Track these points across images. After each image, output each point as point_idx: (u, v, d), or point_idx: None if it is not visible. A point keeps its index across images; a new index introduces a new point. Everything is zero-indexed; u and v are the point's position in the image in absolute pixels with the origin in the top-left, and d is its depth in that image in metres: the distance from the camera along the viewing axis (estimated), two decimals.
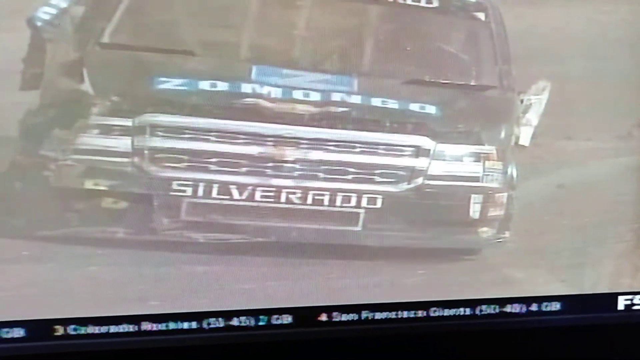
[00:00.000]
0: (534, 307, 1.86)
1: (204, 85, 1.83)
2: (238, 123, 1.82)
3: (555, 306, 1.85)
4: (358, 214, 1.85)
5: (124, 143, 1.79)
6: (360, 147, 1.85)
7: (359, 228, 1.85)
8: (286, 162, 1.82)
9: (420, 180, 1.87)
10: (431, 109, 1.89)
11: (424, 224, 1.88)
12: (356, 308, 1.81)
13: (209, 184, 1.81)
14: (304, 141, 1.83)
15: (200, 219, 1.82)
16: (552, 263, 1.89)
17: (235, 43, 1.87)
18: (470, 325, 1.84)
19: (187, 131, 1.81)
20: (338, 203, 1.84)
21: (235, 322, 1.78)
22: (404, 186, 1.86)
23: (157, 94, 1.80)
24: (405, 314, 1.81)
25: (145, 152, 1.80)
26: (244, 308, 1.79)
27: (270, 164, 1.82)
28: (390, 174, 1.86)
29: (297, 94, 1.84)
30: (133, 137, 1.79)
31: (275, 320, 1.78)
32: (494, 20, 1.96)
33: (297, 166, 1.83)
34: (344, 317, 1.80)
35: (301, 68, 1.88)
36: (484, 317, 1.83)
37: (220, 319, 1.77)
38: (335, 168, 1.84)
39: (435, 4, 1.92)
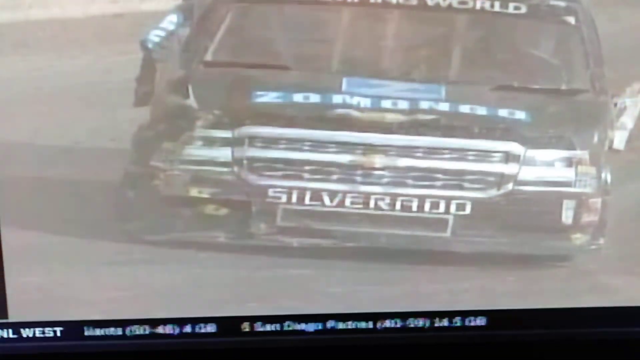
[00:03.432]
0: None
1: (298, 97, 1.92)
2: (329, 133, 1.89)
3: None
4: (447, 220, 1.87)
5: (224, 153, 1.91)
6: (449, 154, 1.87)
7: (447, 234, 1.87)
8: (375, 169, 1.88)
9: (510, 186, 1.86)
10: (521, 115, 1.88)
11: (514, 230, 1.87)
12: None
13: (302, 191, 1.89)
14: (393, 149, 1.87)
15: (294, 225, 1.90)
16: None
17: (326, 56, 1.96)
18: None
19: (282, 141, 1.90)
20: (427, 209, 1.87)
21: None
22: (494, 192, 1.86)
23: (255, 107, 1.92)
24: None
25: (244, 161, 1.91)
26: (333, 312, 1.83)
27: (359, 172, 1.88)
28: (479, 180, 1.86)
29: (386, 103, 1.90)
30: (233, 147, 1.91)
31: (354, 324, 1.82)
32: (584, 23, 1.92)
33: (386, 173, 1.88)
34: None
35: (390, 78, 1.93)
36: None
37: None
38: (423, 175, 1.87)
39: (524, 10, 1.91)
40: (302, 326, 1.81)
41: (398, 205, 1.87)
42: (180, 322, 1.83)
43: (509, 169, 1.86)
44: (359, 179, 1.88)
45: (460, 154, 1.86)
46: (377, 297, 1.84)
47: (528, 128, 1.86)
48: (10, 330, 1.83)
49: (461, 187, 1.86)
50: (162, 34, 2.03)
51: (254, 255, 1.92)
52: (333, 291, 1.87)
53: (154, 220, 1.93)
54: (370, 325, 1.81)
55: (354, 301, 1.84)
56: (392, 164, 1.87)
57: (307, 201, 1.90)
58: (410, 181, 1.86)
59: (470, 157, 1.87)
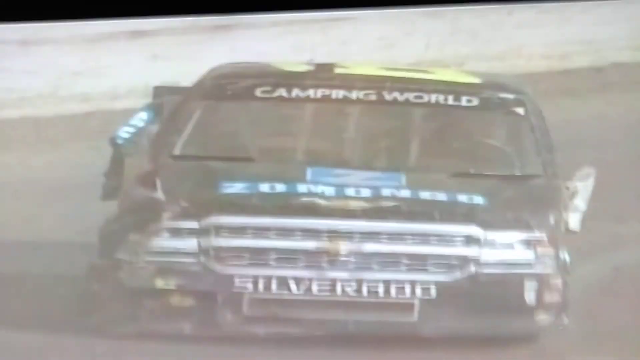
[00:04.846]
0: None
1: (264, 187, 1.97)
2: (295, 221, 1.93)
3: None
4: (413, 304, 1.89)
5: (191, 244, 1.93)
6: (412, 239, 1.91)
7: (414, 318, 1.88)
8: (341, 255, 1.91)
9: (472, 269, 1.90)
10: (479, 199, 1.95)
11: (479, 312, 1.89)
12: None
13: (269, 278, 1.90)
14: (357, 235, 1.91)
15: (261, 314, 1.90)
16: (614, 347, 1.84)
17: (291, 148, 2.03)
18: None
19: (248, 230, 1.93)
20: (393, 294, 1.89)
21: None
22: (457, 275, 1.90)
23: (221, 197, 1.96)
24: None
25: (211, 251, 1.92)
26: None
27: (325, 258, 1.91)
28: (442, 263, 1.90)
29: (349, 191, 1.96)
30: (199, 238, 1.93)
31: None
32: (533, 114, 2.05)
33: (352, 259, 1.90)
34: None
35: (352, 167, 2.01)
36: None
37: None
38: (388, 260, 1.91)
39: (475, 102, 2.05)
40: None
41: (364, 291, 1.89)
42: None
43: (471, 251, 1.91)
44: (325, 265, 1.90)
45: (423, 238, 1.91)
46: None
47: (487, 212, 1.93)
48: None
49: (425, 271, 1.90)
50: (132, 130, 2.10)
51: (219, 347, 1.89)
52: None
53: (119, 312, 1.91)
54: None
55: None
56: (357, 250, 1.90)
57: (273, 289, 1.91)
58: (375, 266, 1.89)
59: (433, 241, 1.91)
